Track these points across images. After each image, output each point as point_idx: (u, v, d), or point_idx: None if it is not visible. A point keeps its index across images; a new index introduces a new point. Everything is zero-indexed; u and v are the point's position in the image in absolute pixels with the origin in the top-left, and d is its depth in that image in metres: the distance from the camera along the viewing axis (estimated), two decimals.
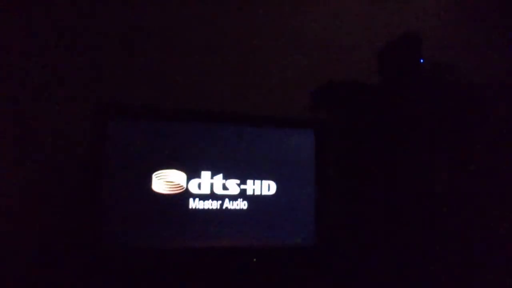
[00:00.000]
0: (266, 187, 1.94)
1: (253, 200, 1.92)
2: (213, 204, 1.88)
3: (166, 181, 1.84)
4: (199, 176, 1.87)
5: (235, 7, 1.97)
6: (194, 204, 1.86)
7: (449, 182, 2.00)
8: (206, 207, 1.87)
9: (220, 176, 1.89)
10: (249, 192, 1.92)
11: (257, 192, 1.93)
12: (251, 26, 1.98)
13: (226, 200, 1.89)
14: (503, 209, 1.93)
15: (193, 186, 1.86)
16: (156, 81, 1.85)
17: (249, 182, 1.92)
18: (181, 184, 1.85)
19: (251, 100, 1.93)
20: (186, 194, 1.85)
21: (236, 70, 1.93)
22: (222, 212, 1.89)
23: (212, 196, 1.88)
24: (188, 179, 1.86)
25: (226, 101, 1.92)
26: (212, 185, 1.88)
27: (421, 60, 1.93)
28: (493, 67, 2.25)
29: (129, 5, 1.86)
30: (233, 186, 1.90)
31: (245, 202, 1.91)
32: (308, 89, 1.98)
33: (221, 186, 1.89)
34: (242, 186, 1.91)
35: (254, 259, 1.86)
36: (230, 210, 1.90)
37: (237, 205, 1.90)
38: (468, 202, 1.96)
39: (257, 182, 1.93)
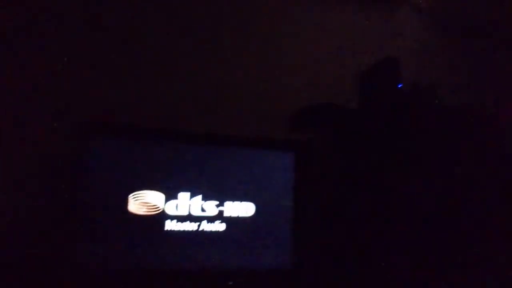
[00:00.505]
0: (245, 209, 1.92)
1: (231, 222, 1.90)
2: (190, 226, 1.86)
3: (142, 202, 1.82)
4: (176, 197, 1.85)
5: (215, 27, 1.99)
6: (170, 225, 1.84)
7: (431, 203, 2.00)
8: (182, 229, 1.85)
9: (199, 197, 1.88)
10: (227, 213, 1.90)
11: (236, 214, 1.91)
12: (231, 46, 2.00)
13: (204, 221, 1.87)
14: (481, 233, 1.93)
15: (170, 208, 1.84)
16: (135, 100, 1.84)
17: (228, 203, 1.90)
18: (158, 205, 1.83)
19: (231, 120, 1.93)
20: (162, 216, 1.83)
21: (216, 90, 1.93)
22: (199, 234, 1.87)
23: (190, 217, 1.86)
24: (166, 200, 1.84)
25: (206, 122, 1.91)
26: (189, 206, 1.86)
27: (400, 85, 1.95)
28: (471, 90, 2.29)
29: (109, 25, 1.87)
30: (211, 207, 1.89)
31: (223, 224, 1.89)
32: (288, 111, 1.98)
33: (199, 208, 1.87)
34: (220, 208, 1.89)
35: (230, 283, 1.84)
36: (207, 232, 1.87)
37: (215, 227, 1.88)
38: (451, 225, 1.96)
39: (236, 203, 1.92)
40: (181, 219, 1.85)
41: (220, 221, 1.89)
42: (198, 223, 1.87)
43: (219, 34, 1.97)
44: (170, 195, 1.84)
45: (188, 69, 1.91)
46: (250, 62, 2.01)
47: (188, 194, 1.86)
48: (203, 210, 1.87)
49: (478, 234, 1.96)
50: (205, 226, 1.87)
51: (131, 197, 1.80)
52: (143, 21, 1.90)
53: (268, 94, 2.02)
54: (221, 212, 1.89)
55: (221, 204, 1.89)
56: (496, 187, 2.00)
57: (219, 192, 1.89)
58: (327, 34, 2.17)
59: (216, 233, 1.88)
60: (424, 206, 1.96)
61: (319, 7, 2.17)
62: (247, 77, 1.99)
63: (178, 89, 1.89)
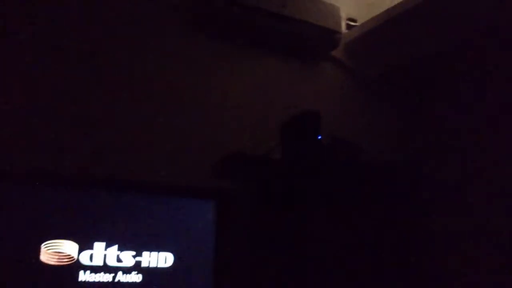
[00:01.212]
0: (163, 259, 1.89)
1: (149, 272, 1.86)
2: (105, 277, 1.81)
3: (55, 251, 1.76)
4: (91, 247, 1.81)
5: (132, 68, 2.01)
6: (84, 276, 1.78)
7: (350, 254, 2.04)
8: (97, 280, 1.80)
9: (115, 247, 1.84)
10: (145, 264, 1.86)
11: (153, 265, 1.88)
12: (153, 92, 2.02)
13: (120, 272, 1.83)
14: None
15: (84, 258, 1.79)
16: (48, 145, 1.81)
17: (145, 253, 1.87)
18: (72, 255, 1.78)
19: (149, 167, 1.92)
20: (76, 266, 1.78)
21: (134, 136, 1.93)
22: (114, 285, 1.81)
23: (105, 268, 1.81)
24: (80, 250, 1.79)
25: (123, 168, 1.89)
26: (105, 256, 1.82)
27: (319, 136, 2.03)
28: (387, 145, 2.40)
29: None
30: (128, 258, 1.85)
31: (140, 275, 1.85)
32: (209, 159, 2.00)
33: (115, 258, 1.83)
34: (138, 258, 1.86)
35: None
36: (123, 283, 1.82)
37: (131, 278, 1.84)
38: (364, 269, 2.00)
39: (154, 254, 1.88)
40: (96, 269, 1.80)
41: (136, 272, 1.85)
42: (113, 274, 1.82)
43: (140, 79, 2.00)
44: (85, 245, 1.79)
45: (105, 115, 1.90)
46: (174, 110, 2.04)
47: (103, 244, 1.82)
48: (119, 260, 1.83)
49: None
50: (121, 277, 1.82)
51: (43, 247, 1.74)
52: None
53: (190, 142, 2.04)
54: (138, 263, 1.85)
55: (138, 254, 1.86)
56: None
57: (136, 241, 1.86)
58: (251, 86, 2.25)
59: (133, 284, 1.83)
60: (342, 252, 2.00)
61: (244, 59, 2.27)
62: (169, 124, 2.01)
63: (94, 134, 1.87)
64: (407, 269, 2.12)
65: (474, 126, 2.27)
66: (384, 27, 2.35)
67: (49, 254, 1.75)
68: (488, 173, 2.16)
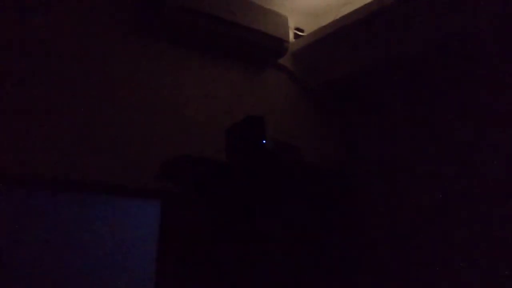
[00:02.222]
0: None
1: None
2: None
3: None
4: None
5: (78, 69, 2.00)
6: None
7: (293, 253, 2.12)
8: None
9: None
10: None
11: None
12: (102, 94, 2.02)
13: None
14: None
15: None
16: None
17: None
18: None
19: (95, 167, 1.90)
20: None
21: (80, 136, 1.91)
22: None
23: None
24: None
25: (66, 167, 1.87)
26: None
27: (264, 141, 2.09)
28: (328, 150, 2.51)
29: None
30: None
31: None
32: (155, 160, 2.01)
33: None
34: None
35: None
36: None
37: None
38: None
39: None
40: None
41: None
42: None
43: (89, 83, 1.99)
44: None
45: (50, 114, 1.87)
46: (119, 112, 2.03)
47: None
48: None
49: None
50: None
51: None
52: None
53: (135, 144, 2.04)
54: None
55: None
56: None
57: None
58: (199, 90, 2.29)
59: None
60: (285, 251, 2.07)
61: (192, 64, 2.30)
62: (115, 125, 2.00)
63: (38, 133, 1.83)
64: (346, 265, 2.22)
65: (413, 134, 2.40)
66: (329, 38, 2.46)
67: None
68: (424, 176, 2.29)
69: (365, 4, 2.25)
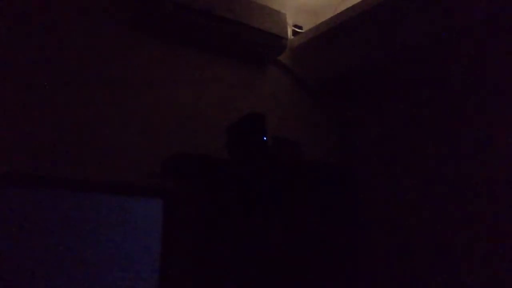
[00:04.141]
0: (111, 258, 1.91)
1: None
2: None
3: None
4: None
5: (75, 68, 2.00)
6: None
7: (293, 250, 2.13)
8: None
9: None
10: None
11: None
12: (101, 92, 2.02)
13: None
14: None
15: None
16: None
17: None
18: None
19: (97, 166, 1.90)
20: None
21: (81, 135, 1.92)
22: None
23: None
24: None
25: (69, 167, 1.87)
26: None
27: (264, 138, 2.10)
28: (328, 146, 2.52)
29: None
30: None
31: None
32: (157, 158, 2.02)
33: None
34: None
35: None
36: None
37: None
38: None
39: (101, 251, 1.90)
40: None
41: None
42: None
43: (87, 81, 1.98)
44: None
45: (50, 115, 1.86)
46: (121, 110, 2.04)
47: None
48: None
49: None
50: None
51: None
52: None
53: (137, 142, 2.04)
54: None
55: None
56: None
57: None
58: (199, 87, 2.30)
59: None
60: (286, 247, 2.08)
61: (192, 62, 2.31)
62: (116, 123, 2.01)
63: (38, 134, 1.82)
64: (345, 263, 2.24)
65: (411, 132, 2.42)
66: (328, 34, 2.46)
67: None
68: (420, 174, 2.31)
69: (363, 0, 2.26)
